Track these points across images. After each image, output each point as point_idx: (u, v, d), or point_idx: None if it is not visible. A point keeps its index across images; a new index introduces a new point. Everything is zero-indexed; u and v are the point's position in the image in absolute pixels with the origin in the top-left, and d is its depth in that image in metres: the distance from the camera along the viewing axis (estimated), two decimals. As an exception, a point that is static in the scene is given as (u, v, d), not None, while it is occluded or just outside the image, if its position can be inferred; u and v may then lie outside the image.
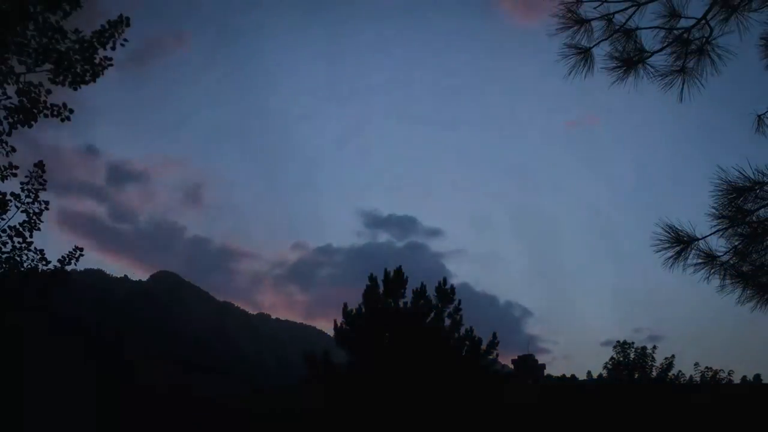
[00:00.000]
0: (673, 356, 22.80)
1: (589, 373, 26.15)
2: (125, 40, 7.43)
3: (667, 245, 4.61)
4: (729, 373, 23.18)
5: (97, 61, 7.29)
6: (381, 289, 19.69)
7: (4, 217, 7.79)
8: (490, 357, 19.85)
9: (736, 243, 4.59)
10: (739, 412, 19.80)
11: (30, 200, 7.97)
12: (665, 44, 4.63)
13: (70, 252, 8.60)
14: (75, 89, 7.30)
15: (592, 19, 4.67)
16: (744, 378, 24.85)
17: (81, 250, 8.69)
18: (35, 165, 8.05)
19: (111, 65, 7.43)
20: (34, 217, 7.97)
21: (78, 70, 7.22)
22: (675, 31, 4.60)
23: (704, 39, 4.55)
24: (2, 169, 7.57)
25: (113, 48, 7.38)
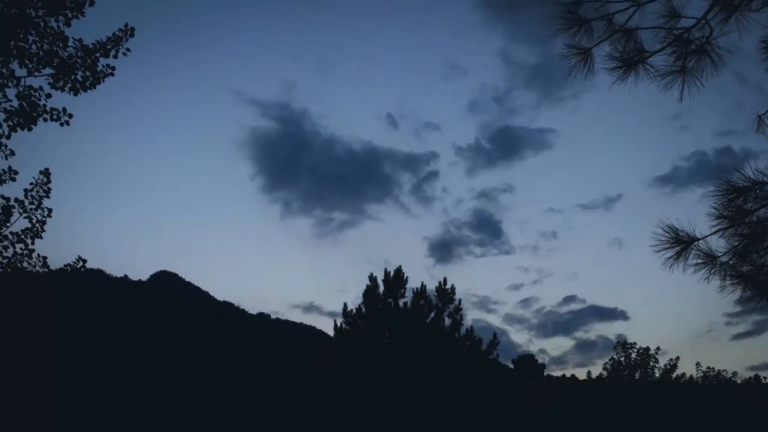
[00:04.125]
0: (677, 358, 22.95)
1: (588, 373, 26.22)
2: (128, 49, 7.47)
3: (667, 245, 4.62)
4: (733, 374, 23.29)
5: (99, 68, 7.32)
6: (381, 289, 19.70)
7: (7, 224, 7.76)
8: (491, 357, 19.85)
9: (736, 243, 4.59)
10: (739, 412, 19.81)
11: (33, 207, 7.96)
12: (665, 44, 4.64)
13: (73, 262, 8.64)
14: (75, 95, 7.33)
15: (592, 20, 4.68)
16: (748, 379, 24.98)
17: (84, 261, 8.74)
18: (41, 172, 8.04)
19: (112, 74, 7.45)
20: (37, 225, 7.96)
21: (79, 77, 7.25)
22: (675, 31, 4.60)
23: (704, 39, 4.55)
24: (1, 173, 7.57)
25: (116, 56, 7.41)
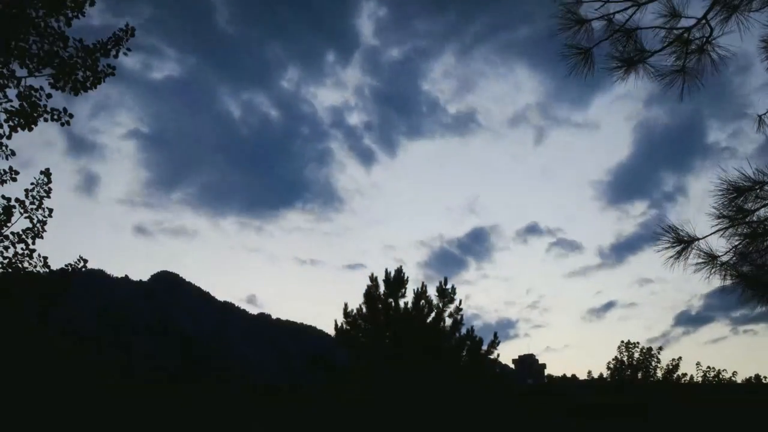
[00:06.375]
0: (679, 358, 23.02)
1: (589, 372, 26.26)
2: (128, 49, 7.46)
3: (668, 245, 4.62)
4: (733, 374, 23.33)
5: (99, 68, 7.32)
6: (381, 288, 19.69)
7: (8, 224, 7.77)
8: (491, 357, 19.84)
9: (737, 243, 4.59)
10: (739, 412, 19.82)
11: (34, 207, 7.96)
12: (665, 44, 4.64)
13: (75, 261, 8.66)
14: (76, 95, 7.32)
15: (593, 19, 4.68)
16: (748, 379, 25.04)
17: (85, 261, 8.76)
18: (42, 172, 8.05)
19: (113, 74, 7.45)
20: (38, 225, 7.95)
21: (79, 77, 7.24)
22: (675, 31, 4.60)
23: (704, 39, 4.55)
24: (2, 173, 7.57)
25: (116, 56, 7.41)
